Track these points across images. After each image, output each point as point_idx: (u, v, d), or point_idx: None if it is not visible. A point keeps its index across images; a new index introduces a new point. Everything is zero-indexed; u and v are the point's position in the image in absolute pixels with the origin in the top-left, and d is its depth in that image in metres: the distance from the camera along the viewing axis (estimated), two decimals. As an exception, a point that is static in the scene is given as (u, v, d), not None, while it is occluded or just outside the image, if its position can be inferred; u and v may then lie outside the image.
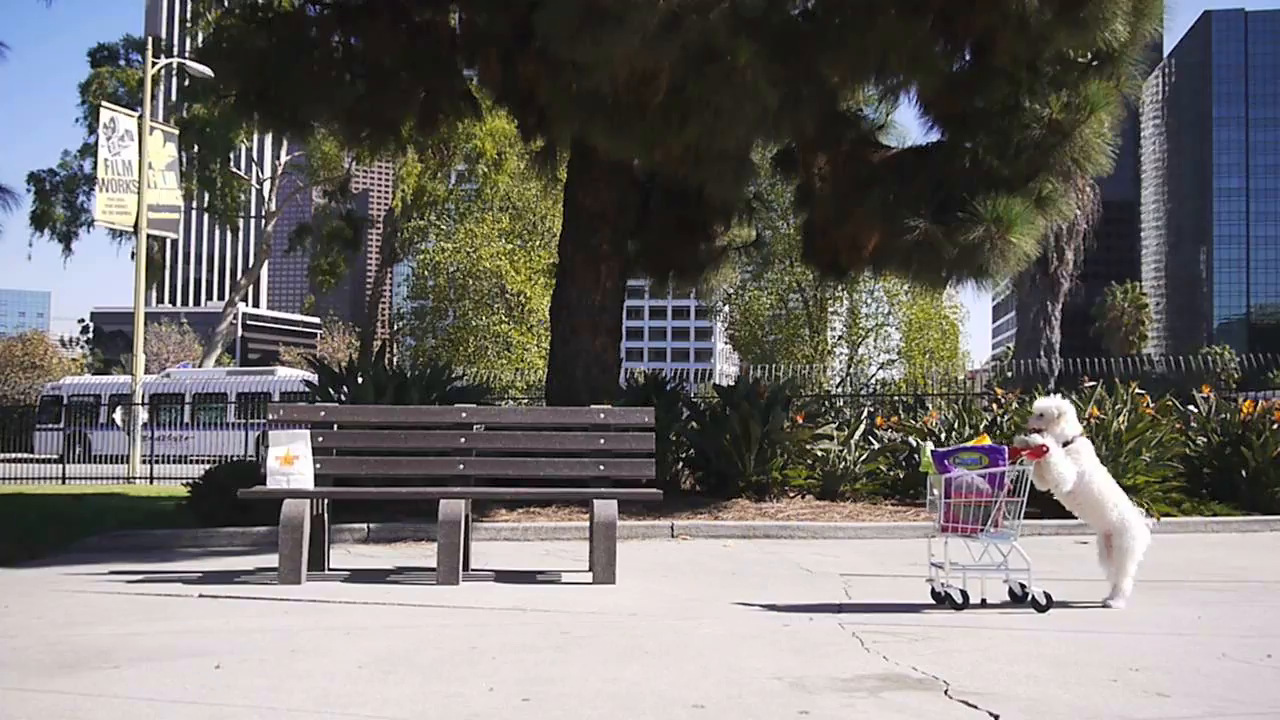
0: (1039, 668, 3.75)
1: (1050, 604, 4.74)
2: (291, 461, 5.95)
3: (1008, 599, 4.86)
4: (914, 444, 9.99)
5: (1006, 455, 4.76)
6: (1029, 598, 4.76)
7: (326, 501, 6.21)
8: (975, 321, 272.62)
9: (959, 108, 8.67)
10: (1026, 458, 4.77)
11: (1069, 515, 8.44)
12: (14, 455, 21.04)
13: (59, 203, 39.42)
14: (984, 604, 4.87)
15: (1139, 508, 5.04)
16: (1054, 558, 7.07)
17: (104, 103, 24.75)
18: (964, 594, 4.83)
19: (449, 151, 34.33)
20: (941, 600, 4.85)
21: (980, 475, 4.75)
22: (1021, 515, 4.81)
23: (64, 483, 17.39)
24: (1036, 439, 4.82)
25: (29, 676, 3.70)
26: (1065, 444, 4.90)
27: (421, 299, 41.62)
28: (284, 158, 40.76)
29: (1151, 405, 9.33)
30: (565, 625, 4.61)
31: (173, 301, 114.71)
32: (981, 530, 4.76)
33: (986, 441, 5.02)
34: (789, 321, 39.54)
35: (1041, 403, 4.99)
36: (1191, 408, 10.34)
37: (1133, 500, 8.51)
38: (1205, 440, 9.85)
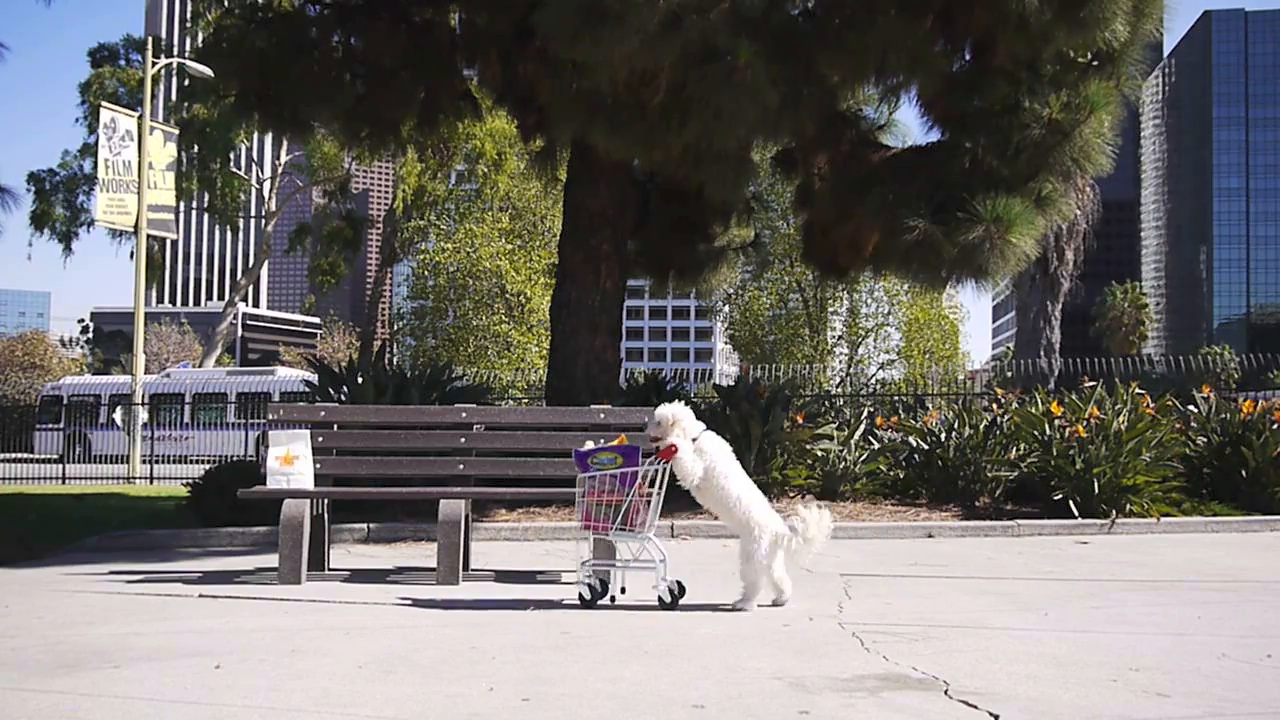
0: (1039, 667, 3.75)
1: (675, 602, 4.89)
2: (291, 461, 5.95)
3: (653, 598, 4.96)
4: (912, 444, 9.97)
5: (640, 455, 4.90)
6: (660, 595, 4.91)
7: (326, 501, 6.21)
8: (975, 321, 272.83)
9: (959, 108, 8.66)
10: (657, 458, 4.90)
11: (1069, 515, 8.58)
12: (14, 455, 21.04)
13: (59, 203, 39.37)
14: (613, 601, 5.03)
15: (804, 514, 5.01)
16: (1056, 558, 7.08)
17: (104, 103, 24.73)
18: (592, 589, 4.99)
19: (449, 151, 34.37)
20: (584, 598, 4.98)
21: (613, 475, 4.90)
22: (658, 513, 4.97)
23: (64, 483, 17.40)
24: (667, 439, 4.91)
25: (29, 676, 3.70)
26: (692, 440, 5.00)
27: (421, 299, 41.54)
28: (284, 158, 40.75)
29: (1151, 405, 9.32)
30: (565, 625, 4.61)
31: (173, 301, 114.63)
32: (613, 528, 4.90)
33: (625, 443, 5.10)
34: (789, 321, 39.52)
35: (658, 411, 5.04)
36: (1191, 408, 10.33)
37: (1130, 500, 8.66)
38: (1205, 440, 9.85)
